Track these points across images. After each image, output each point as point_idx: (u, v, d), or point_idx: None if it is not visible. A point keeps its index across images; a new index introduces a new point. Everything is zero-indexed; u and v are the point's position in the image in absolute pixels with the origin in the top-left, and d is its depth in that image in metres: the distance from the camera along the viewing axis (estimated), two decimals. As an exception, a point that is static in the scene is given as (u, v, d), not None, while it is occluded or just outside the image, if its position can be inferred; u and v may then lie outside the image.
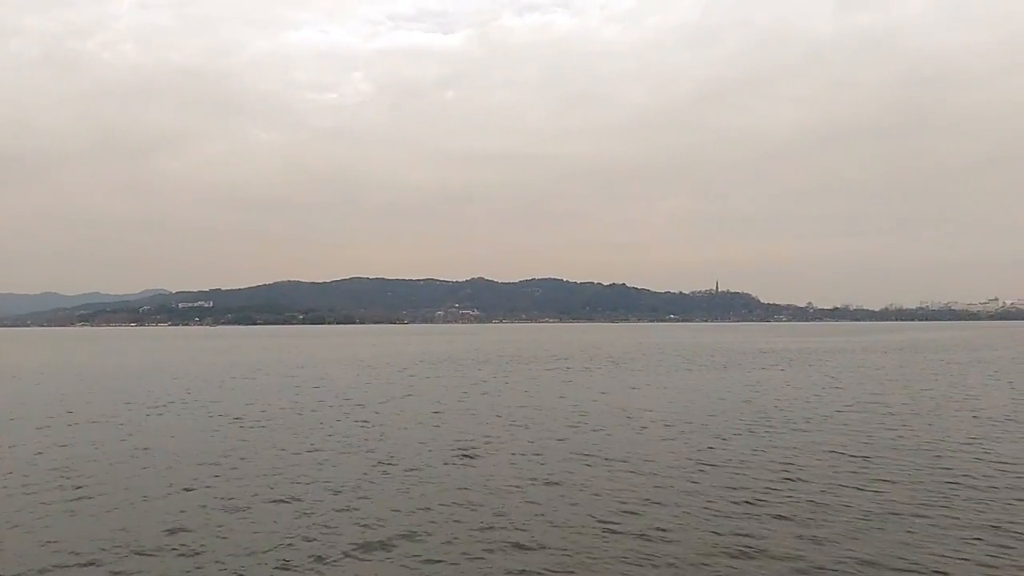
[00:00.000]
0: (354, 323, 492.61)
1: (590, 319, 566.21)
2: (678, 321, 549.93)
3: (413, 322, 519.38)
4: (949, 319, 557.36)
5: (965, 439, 22.38)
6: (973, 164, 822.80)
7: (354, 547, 12.40)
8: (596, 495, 15.79)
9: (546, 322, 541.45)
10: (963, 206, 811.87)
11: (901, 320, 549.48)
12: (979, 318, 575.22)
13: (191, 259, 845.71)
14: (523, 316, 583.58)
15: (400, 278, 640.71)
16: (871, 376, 46.99)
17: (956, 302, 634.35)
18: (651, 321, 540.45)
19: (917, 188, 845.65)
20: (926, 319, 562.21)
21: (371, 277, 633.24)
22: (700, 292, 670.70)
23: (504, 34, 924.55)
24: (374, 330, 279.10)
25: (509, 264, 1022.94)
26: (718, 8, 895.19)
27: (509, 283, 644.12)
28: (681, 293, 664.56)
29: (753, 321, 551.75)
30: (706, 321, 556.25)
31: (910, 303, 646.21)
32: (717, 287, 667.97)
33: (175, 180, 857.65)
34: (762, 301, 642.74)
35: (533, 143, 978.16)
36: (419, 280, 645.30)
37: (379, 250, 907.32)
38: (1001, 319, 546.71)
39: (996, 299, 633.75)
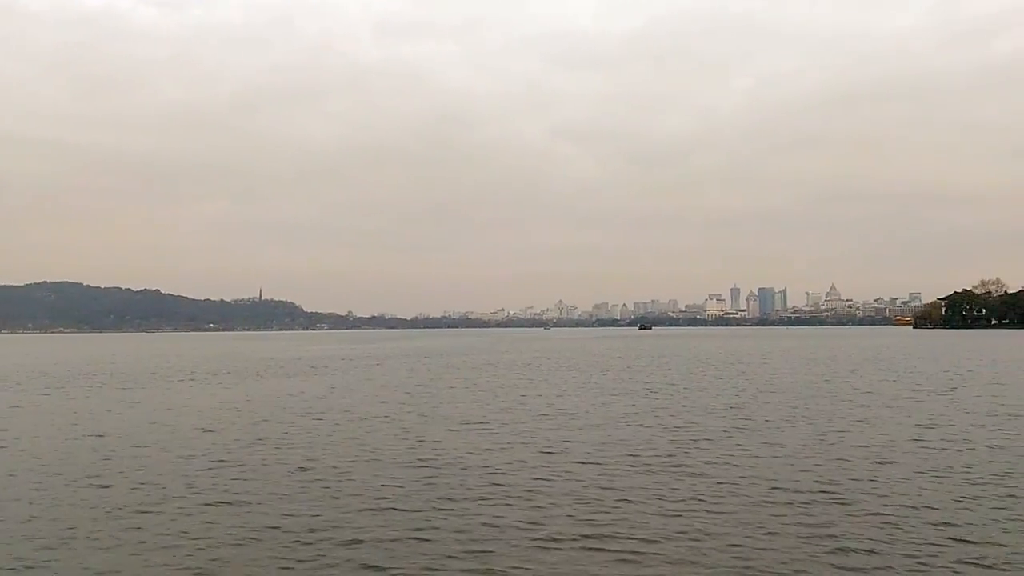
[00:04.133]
0: None
1: (117, 329, 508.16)
2: (219, 330, 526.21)
3: None
4: (466, 326, 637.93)
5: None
6: (482, 195, 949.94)
7: None
8: None
9: (60, 332, 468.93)
10: (476, 229, 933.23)
11: (428, 327, 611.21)
12: (489, 325, 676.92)
13: None
14: (30, 325, 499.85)
15: None
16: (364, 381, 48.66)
17: (472, 312, 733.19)
18: (189, 331, 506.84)
19: (442, 211, 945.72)
20: (448, 326, 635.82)
21: None
22: (243, 300, 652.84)
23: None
24: None
25: (12, 265, 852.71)
26: (261, 14, 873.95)
27: (11, 287, 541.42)
28: (223, 301, 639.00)
29: (297, 329, 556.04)
30: (249, 330, 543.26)
31: (435, 312, 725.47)
32: (261, 295, 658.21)
33: None
34: (305, 310, 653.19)
35: (46, 128, 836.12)
36: None
37: None
38: (506, 326, 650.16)
39: (503, 309, 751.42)
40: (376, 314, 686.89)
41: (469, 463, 19.80)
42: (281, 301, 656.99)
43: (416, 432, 25.49)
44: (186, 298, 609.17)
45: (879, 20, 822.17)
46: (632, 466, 19.11)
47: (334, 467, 19.40)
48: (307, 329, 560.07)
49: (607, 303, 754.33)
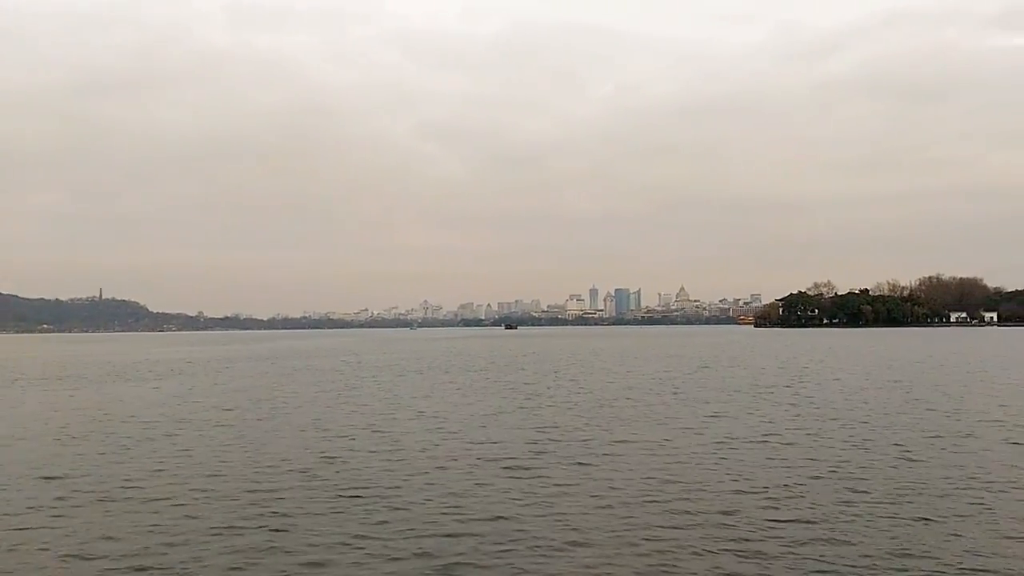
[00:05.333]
0: None
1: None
2: (53, 332, 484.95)
3: None
4: (329, 327, 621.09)
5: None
6: (344, 191, 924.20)
7: None
8: None
9: None
10: (338, 227, 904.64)
11: (287, 328, 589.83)
12: (352, 326, 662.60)
13: None
14: None
15: None
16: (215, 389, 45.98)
17: (334, 312, 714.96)
18: (19, 332, 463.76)
19: (302, 208, 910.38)
20: (309, 327, 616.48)
21: None
22: (81, 299, 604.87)
23: None
24: None
25: None
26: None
27: None
28: (58, 300, 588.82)
29: (142, 331, 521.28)
30: (87, 331, 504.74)
31: (295, 313, 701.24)
32: (101, 294, 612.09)
33: None
34: (151, 310, 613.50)
35: None
36: None
37: None
38: (371, 327, 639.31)
39: (366, 309, 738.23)
40: (230, 315, 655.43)
41: (316, 472, 18.76)
42: (124, 301, 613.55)
43: (260, 442, 23.90)
44: (16, 296, 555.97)
45: (729, 36, 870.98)
46: (494, 468, 18.85)
47: (167, 483, 17.74)
48: (153, 331, 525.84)
49: (472, 303, 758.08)
